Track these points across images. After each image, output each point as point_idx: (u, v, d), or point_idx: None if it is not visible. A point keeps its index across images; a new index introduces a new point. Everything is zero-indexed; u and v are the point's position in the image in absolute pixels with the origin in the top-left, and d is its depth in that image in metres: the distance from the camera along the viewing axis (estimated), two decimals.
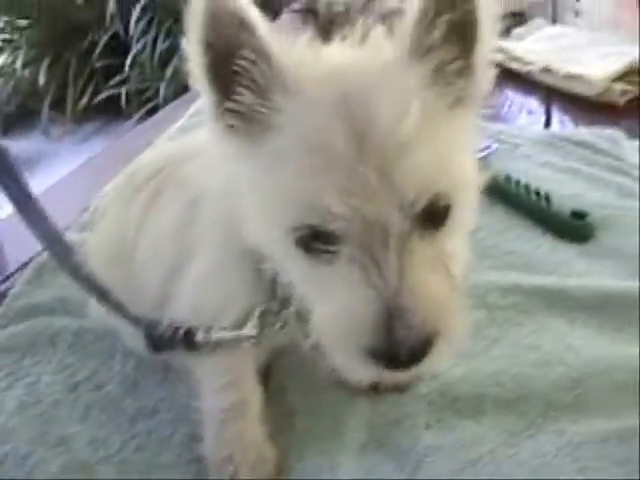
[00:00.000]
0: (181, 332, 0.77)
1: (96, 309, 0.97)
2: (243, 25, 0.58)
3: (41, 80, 3.49)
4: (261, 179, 0.62)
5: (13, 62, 3.62)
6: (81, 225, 1.26)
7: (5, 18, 3.75)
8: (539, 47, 1.93)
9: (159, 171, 0.90)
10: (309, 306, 0.64)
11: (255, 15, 0.58)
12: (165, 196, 0.86)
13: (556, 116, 1.66)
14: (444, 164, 0.59)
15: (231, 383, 0.83)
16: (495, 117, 1.65)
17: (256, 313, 0.76)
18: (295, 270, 0.64)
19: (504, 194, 1.30)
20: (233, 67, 0.59)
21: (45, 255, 1.15)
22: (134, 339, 0.91)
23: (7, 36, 3.78)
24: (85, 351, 1.02)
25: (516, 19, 2.16)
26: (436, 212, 0.60)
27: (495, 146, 1.44)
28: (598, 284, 1.08)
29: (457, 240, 0.65)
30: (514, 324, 1.02)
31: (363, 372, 0.61)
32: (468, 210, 0.65)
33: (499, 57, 1.88)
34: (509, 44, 1.95)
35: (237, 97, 0.60)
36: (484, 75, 0.64)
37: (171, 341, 0.78)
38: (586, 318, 1.03)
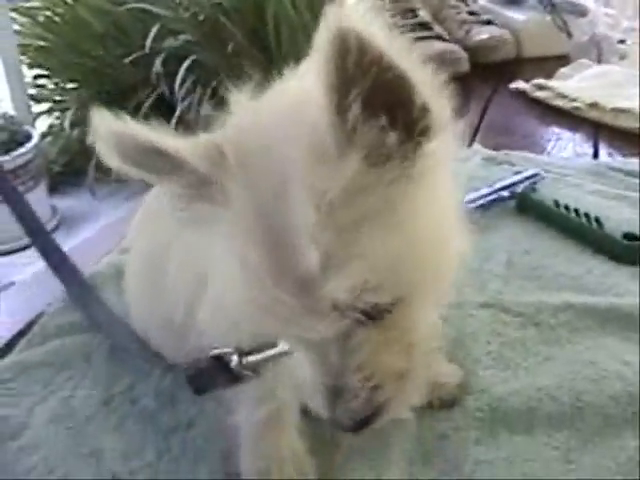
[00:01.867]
0: (215, 362, 0.73)
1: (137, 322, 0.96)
2: None
3: (88, 140, 3.54)
4: None
5: (61, 122, 3.68)
6: (122, 249, 1.25)
7: (55, 80, 3.84)
8: (585, 84, 1.90)
9: None
10: None
11: None
12: None
13: (603, 149, 1.62)
14: (383, 268, 0.51)
15: (266, 394, 0.79)
16: (542, 152, 1.62)
17: None
18: None
19: (553, 218, 1.26)
20: None
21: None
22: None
23: (57, 97, 3.86)
24: (121, 367, 0.99)
25: (560, 61, 2.14)
26: (380, 308, 0.55)
27: (543, 174, 1.40)
28: None
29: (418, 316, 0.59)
30: (566, 342, 0.97)
31: None
32: (435, 291, 0.60)
33: (545, 95, 1.87)
34: (554, 83, 1.93)
35: None
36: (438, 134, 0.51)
37: (211, 378, 0.74)
38: None
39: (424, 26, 2.02)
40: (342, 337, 0.56)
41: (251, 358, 0.72)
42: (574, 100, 1.81)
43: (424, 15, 2.06)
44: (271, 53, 3.43)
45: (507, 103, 1.92)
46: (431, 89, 0.49)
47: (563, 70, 2.04)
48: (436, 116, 0.50)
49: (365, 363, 0.57)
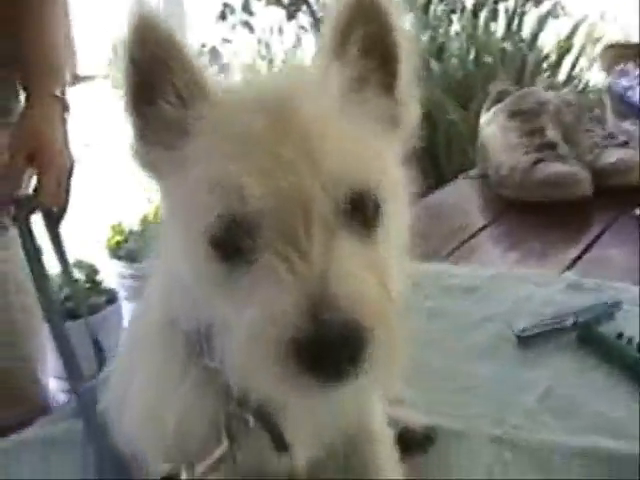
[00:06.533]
0: None
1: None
2: (170, 44, 0.62)
3: None
4: (182, 185, 0.61)
5: None
6: None
7: None
8: None
9: None
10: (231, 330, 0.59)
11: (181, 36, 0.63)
12: None
13: None
14: (368, 161, 0.60)
15: None
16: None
17: (221, 421, 0.69)
18: (213, 287, 0.60)
19: (611, 352, 1.15)
20: (157, 82, 0.63)
21: None
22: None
23: None
24: None
25: None
26: (364, 210, 0.58)
27: (624, 306, 1.28)
28: None
29: (392, 255, 0.62)
30: None
31: (292, 385, 0.53)
32: (399, 222, 0.64)
33: None
34: None
35: (160, 110, 0.63)
36: (407, 97, 0.67)
37: None
38: None
39: (549, 146, 1.94)
40: (326, 227, 0.55)
41: (199, 468, 0.69)
42: None
43: (552, 135, 1.98)
44: (440, 165, 3.49)
45: (628, 231, 1.77)
46: None
47: None
48: None
49: (348, 273, 0.54)
